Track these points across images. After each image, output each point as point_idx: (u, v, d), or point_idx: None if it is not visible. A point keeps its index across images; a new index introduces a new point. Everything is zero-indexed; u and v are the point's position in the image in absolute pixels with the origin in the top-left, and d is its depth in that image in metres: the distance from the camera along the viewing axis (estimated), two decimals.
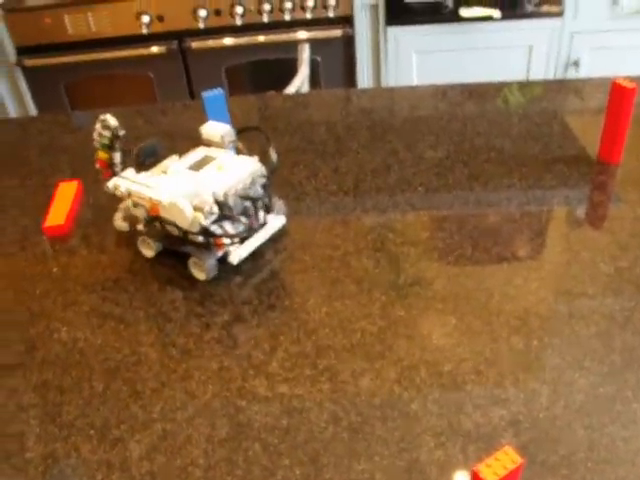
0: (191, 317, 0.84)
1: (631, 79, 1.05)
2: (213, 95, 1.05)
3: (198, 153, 0.94)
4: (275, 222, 0.97)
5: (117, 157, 0.94)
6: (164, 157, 0.97)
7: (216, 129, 0.94)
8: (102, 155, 0.94)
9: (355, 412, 0.70)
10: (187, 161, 0.93)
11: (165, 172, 0.92)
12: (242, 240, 0.92)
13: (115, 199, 0.96)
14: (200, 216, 0.84)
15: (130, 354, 0.80)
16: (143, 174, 0.93)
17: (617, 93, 1.03)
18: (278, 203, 0.98)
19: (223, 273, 0.91)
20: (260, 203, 0.91)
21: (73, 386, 0.76)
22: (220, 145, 0.94)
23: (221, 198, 0.86)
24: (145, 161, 0.95)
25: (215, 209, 0.86)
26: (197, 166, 0.91)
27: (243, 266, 0.92)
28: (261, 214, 0.92)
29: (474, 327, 0.79)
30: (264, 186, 0.92)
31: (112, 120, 0.91)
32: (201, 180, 0.88)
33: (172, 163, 0.94)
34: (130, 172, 0.93)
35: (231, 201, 0.87)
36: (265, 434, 0.69)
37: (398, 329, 0.80)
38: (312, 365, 0.76)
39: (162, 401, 0.73)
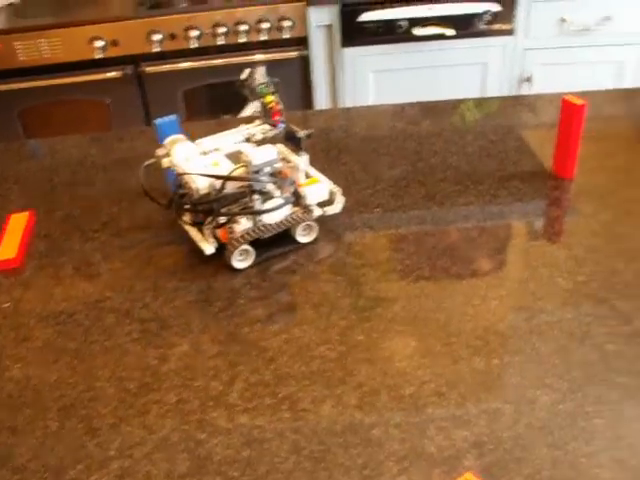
0: (148, 349, 0.82)
1: (582, 94, 1.07)
2: (165, 121, 1.04)
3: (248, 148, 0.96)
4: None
5: (248, 110, 1.00)
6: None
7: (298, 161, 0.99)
8: (269, 99, 1.00)
9: (317, 440, 0.69)
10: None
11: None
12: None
13: (67, 224, 0.94)
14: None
15: (86, 390, 0.78)
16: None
17: (567, 110, 1.04)
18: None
19: (182, 304, 0.89)
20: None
21: (26, 426, 0.74)
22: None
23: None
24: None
25: None
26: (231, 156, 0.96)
27: (201, 295, 0.90)
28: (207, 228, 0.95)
29: (434, 349, 0.79)
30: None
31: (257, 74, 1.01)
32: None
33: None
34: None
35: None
36: (226, 467, 0.67)
37: (358, 354, 0.79)
38: (272, 394, 0.75)
39: (120, 437, 0.71)
